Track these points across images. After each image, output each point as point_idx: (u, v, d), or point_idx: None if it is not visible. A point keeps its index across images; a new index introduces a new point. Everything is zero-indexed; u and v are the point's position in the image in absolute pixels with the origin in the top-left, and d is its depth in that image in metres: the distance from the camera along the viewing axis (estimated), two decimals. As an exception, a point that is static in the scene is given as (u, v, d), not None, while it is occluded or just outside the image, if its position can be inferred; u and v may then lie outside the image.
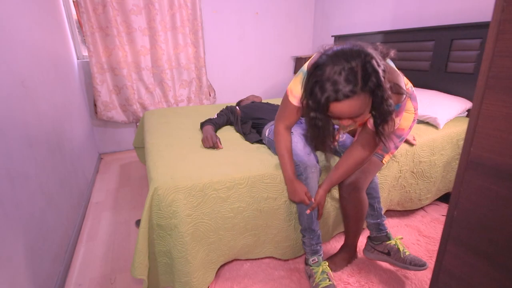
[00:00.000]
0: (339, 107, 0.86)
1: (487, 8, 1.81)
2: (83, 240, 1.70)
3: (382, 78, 0.83)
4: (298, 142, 1.28)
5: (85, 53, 2.77)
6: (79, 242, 1.68)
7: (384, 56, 0.97)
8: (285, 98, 1.15)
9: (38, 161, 1.33)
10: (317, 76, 0.85)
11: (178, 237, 1.12)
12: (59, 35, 2.13)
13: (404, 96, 1.00)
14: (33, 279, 1.11)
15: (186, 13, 2.82)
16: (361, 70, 0.80)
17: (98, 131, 2.95)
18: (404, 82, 1.21)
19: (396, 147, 1.33)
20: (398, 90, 0.97)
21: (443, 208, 1.86)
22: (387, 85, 0.86)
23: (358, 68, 0.80)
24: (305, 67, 1.06)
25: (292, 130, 1.42)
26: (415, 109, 1.27)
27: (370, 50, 0.85)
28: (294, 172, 1.21)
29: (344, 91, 0.81)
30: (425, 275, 1.34)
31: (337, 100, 0.84)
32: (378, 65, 0.82)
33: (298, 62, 3.47)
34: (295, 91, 1.08)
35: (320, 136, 1.03)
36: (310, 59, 1.02)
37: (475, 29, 1.82)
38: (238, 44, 3.27)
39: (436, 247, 1.51)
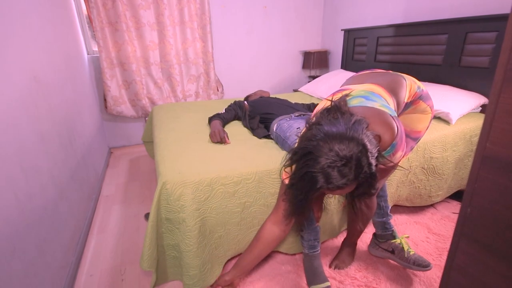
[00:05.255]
0: (329, 192, 0.85)
1: (504, 0, 1.75)
2: (94, 232, 1.73)
3: (374, 168, 0.80)
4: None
5: (95, 48, 2.79)
6: (90, 234, 1.72)
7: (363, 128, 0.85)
8: (282, 184, 1.10)
9: (49, 154, 1.36)
10: (308, 167, 0.80)
11: (186, 231, 1.13)
12: (69, 31, 2.16)
13: (396, 133, 0.89)
14: (46, 270, 1.14)
15: (194, 7, 2.82)
16: (355, 166, 0.76)
17: (108, 125, 3.00)
18: (407, 85, 1.12)
19: (412, 148, 1.30)
20: (382, 137, 0.87)
21: (454, 206, 1.83)
22: (374, 159, 0.80)
23: (353, 164, 0.76)
24: None
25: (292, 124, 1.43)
26: (431, 107, 1.22)
27: (364, 137, 0.78)
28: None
29: (338, 184, 0.78)
30: (434, 273, 1.32)
31: (328, 189, 0.82)
32: (372, 156, 0.78)
33: (307, 56, 3.43)
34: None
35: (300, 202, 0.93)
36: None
37: (491, 22, 1.76)
38: (246, 38, 3.25)
39: (446, 245, 1.49)
